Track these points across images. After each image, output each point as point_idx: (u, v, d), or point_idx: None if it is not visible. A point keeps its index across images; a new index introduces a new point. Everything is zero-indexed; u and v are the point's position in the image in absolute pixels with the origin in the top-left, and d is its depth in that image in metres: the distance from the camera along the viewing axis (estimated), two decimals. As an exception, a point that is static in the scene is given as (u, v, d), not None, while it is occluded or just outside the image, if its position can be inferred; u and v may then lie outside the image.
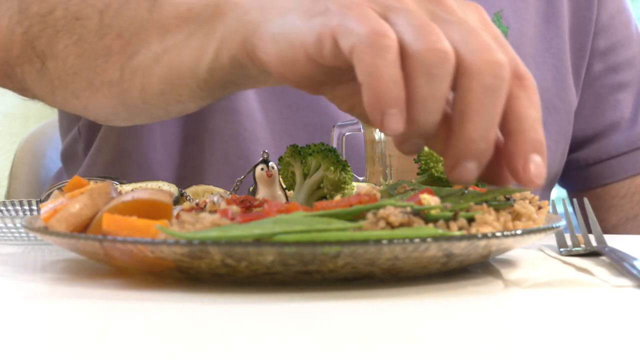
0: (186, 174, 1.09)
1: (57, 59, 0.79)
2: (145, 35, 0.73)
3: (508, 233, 0.62)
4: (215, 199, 0.71)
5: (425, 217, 0.63)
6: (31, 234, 0.78)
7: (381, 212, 0.62)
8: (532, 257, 0.75)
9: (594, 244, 0.76)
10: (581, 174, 1.25)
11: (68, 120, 1.23)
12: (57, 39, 0.79)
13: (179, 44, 0.71)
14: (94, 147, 1.17)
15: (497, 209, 0.66)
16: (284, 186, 0.79)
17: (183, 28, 0.72)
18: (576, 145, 1.23)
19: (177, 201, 0.78)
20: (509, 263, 0.72)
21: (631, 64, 1.25)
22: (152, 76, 0.72)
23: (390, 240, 0.58)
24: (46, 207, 0.68)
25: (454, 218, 0.63)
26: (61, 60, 0.79)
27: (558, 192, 1.34)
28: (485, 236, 0.61)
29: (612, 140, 1.23)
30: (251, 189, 0.78)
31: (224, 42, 0.68)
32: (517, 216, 0.68)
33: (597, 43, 1.22)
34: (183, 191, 0.80)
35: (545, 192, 1.21)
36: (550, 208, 0.73)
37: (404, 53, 0.59)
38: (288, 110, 1.09)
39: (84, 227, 0.65)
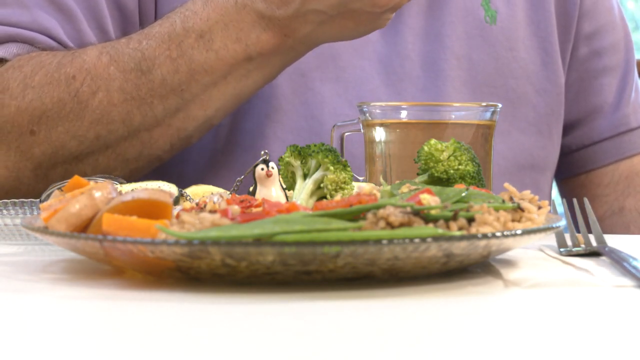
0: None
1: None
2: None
3: (508, 233, 0.62)
4: (215, 199, 0.71)
5: (425, 217, 0.62)
6: (31, 234, 0.78)
7: (381, 212, 0.62)
8: (532, 257, 0.75)
9: (594, 244, 0.76)
10: (566, 160, 1.25)
11: None
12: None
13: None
14: None
15: (497, 209, 0.66)
16: (284, 186, 0.79)
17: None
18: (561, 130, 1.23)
19: (177, 201, 0.78)
20: (509, 263, 0.72)
21: (615, 49, 1.25)
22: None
23: (390, 240, 0.58)
24: (46, 207, 0.68)
25: (454, 218, 0.63)
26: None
27: (557, 191, 1.34)
28: (485, 236, 0.61)
29: (596, 125, 1.24)
30: (251, 189, 0.78)
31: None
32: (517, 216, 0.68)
33: (581, 27, 1.23)
34: (183, 191, 0.80)
35: (545, 178, 1.20)
36: (550, 208, 0.73)
37: None
38: (275, 114, 1.09)
39: (84, 227, 0.65)
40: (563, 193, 1.29)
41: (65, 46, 1.05)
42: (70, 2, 1.06)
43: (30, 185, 1.01)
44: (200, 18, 0.99)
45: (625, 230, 1.22)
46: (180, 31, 0.98)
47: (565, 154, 1.25)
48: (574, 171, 1.26)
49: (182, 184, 0.83)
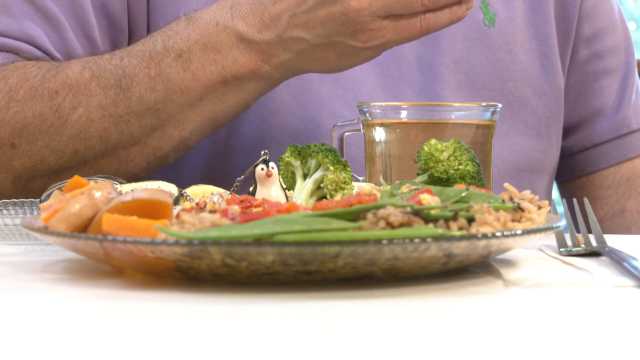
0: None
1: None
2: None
3: (508, 233, 0.62)
4: (215, 199, 0.71)
5: (425, 217, 0.62)
6: (31, 234, 0.78)
7: (381, 212, 0.62)
8: (532, 257, 0.75)
9: (594, 244, 0.76)
10: (567, 162, 1.25)
11: None
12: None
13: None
14: None
15: (497, 209, 0.66)
16: (284, 186, 0.79)
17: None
18: (562, 133, 1.23)
19: (177, 201, 0.78)
20: (509, 263, 0.72)
21: (615, 51, 1.25)
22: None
23: (390, 240, 0.58)
24: (46, 207, 0.68)
25: (454, 218, 0.63)
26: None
27: (558, 192, 1.34)
28: (485, 236, 0.61)
29: (596, 127, 1.23)
30: (251, 189, 0.78)
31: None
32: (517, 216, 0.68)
33: (581, 29, 1.23)
34: (183, 191, 0.80)
35: (541, 181, 1.20)
36: (550, 208, 0.73)
37: None
38: (272, 117, 1.09)
39: (84, 227, 0.65)
40: (564, 195, 1.29)
41: (50, 56, 1.06)
42: (57, 10, 1.06)
43: (9, 197, 1.02)
44: (181, 38, 0.99)
45: (627, 231, 1.22)
46: (161, 50, 0.99)
47: (567, 156, 1.25)
48: (575, 173, 1.26)
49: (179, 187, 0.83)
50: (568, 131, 1.24)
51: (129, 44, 1.10)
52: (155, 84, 0.98)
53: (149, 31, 1.10)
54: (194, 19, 0.99)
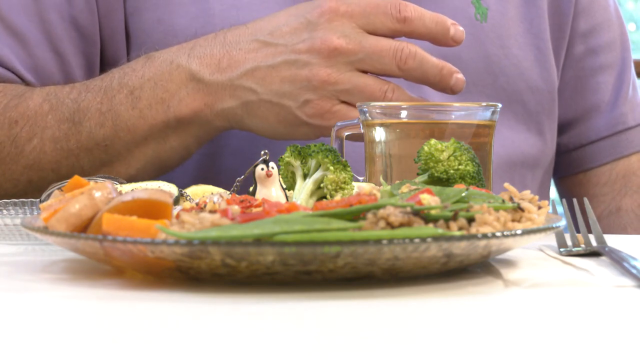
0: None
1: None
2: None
3: (508, 233, 0.62)
4: (215, 199, 0.71)
5: (425, 217, 0.63)
6: (31, 234, 0.78)
7: (381, 212, 0.62)
8: (532, 257, 0.75)
9: (594, 244, 0.76)
10: (563, 159, 1.25)
11: None
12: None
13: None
14: None
15: (497, 209, 0.66)
16: (284, 186, 0.79)
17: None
18: (558, 129, 1.23)
19: (177, 201, 0.78)
20: (509, 263, 0.72)
21: (611, 46, 1.25)
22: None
23: (390, 240, 0.58)
24: (46, 207, 0.68)
25: (454, 218, 0.63)
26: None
27: (556, 192, 1.34)
28: (485, 236, 0.61)
29: (593, 124, 1.23)
30: (251, 189, 0.78)
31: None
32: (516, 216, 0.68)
33: (577, 25, 1.22)
34: (183, 191, 0.80)
35: (533, 175, 1.20)
36: (550, 208, 0.73)
37: None
38: None
39: (84, 227, 0.65)
40: (561, 192, 1.29)
41: (19, 75, 1.07)
42: (25, 27, 1.07)
43: None
44: (136, 75, 0.99)
45: (622, 231, 1.21)
46: (116, 86, 0.99)
47: (563, 152, 1.25)
48: (571, 170, 1.26)
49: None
50: (564, 127, 1.24)
51: (101, 55, 1.11)
52: (105, 120, 0.99)
53: (128, 37, 1.10)
54: (152, 57, 1.00)
